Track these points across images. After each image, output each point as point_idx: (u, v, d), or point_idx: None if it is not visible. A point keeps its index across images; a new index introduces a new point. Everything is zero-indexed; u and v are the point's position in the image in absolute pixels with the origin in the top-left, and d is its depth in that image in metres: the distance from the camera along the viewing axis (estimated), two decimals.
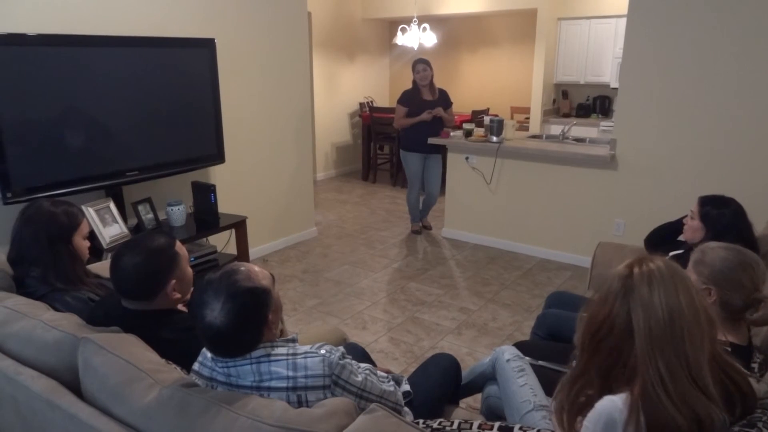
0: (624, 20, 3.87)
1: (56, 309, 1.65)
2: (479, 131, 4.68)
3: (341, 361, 1.28)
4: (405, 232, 5.15)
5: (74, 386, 1.32)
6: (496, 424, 1.45)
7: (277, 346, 1.28)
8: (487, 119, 4.75)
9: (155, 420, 1.16)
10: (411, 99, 4.76)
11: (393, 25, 7.84)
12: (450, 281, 4.01)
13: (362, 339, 3.11)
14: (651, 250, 2.59)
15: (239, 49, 3.94)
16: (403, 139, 4.95)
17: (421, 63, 4.68)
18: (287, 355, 1.26)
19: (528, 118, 6.92)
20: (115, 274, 1.52)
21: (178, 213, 3.46)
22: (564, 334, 2.21)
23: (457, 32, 7.76)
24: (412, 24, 6.47)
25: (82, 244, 1.93)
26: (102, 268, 2.05)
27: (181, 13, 3.53)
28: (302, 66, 4.55)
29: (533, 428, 1.45)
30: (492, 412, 1.82)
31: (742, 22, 3.35)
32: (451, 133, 4.74)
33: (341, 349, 1.33)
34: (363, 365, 1.43)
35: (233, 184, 4.05)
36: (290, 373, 1.24)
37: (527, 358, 1.91)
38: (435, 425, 1.48)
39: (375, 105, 7.66)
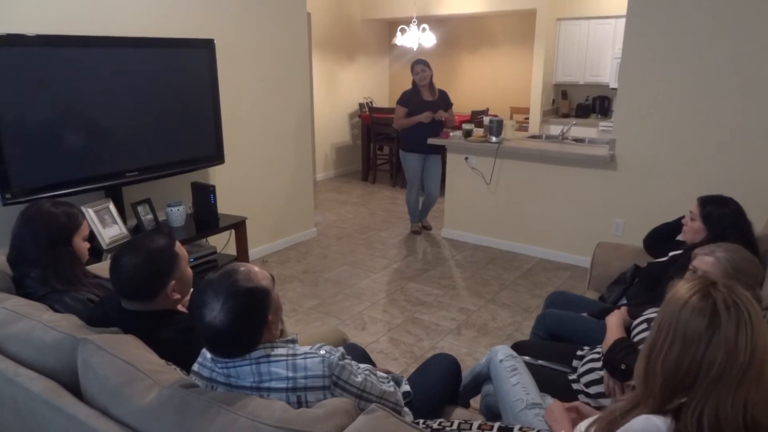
0: (623, 21, 3.87)
1: (55, 310, 1.65)
2: (479, 131, 4.68)
3: (341, 362, 1.28)
4: (404, 232, 5.15)
5: (74, 387, 1.32)
6: (496, 425, 1.45)
7: (276, 347, 1.28)
8: (486, 119, 4.75)
9: (155, 421, 1.16)
10: (410, 99, 4.76)
11: (392, 25, 7.84)
12: (449, 281, 4.01)
13: (362, 339, 3.11)
14: (650, 251, 2.60)
15: (239, 50, 3.94)
16: (403, 140, 4.95)
17: (419, 64, 4.68)
18: (287, 355, 1.26)
19: (527, 119, 6.92)
20: (115, 274, 1.52)
21: (178, 214, 3.45)
22: (563, 334, 2.22)
23: (457, 33, 7.77)
24: (411, 24, 6.47)
25: (82, 246, 1.93)
26: (102, 268, 2.05)
27: (180, 13, 3.53)
28: (302, 66, 4.55)
29: (533, 429, 1.45)
30: (490, 411, 1.83)
31: (740, 22, 3.35)
32: (451, 134, 4.74)
33: (341, 349, 1.33)
34: (363, 366, 1.43)
35: (233, 184, 4.05)
36: (290, 374, 1.24)
37: (526, 357, 1.91)
38: (435, 425, 1.48)
39: (374, 105, 7.66)
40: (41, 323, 1.45)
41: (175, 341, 1.50)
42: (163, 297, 1.55)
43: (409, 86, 4.81)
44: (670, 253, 2.31)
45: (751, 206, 2.26)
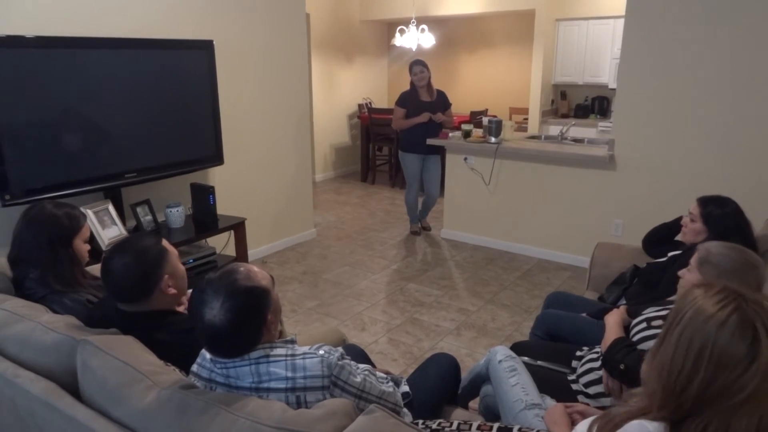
0: (622, 21, 3.88)
1: (55, 311, 1.65)
2: (478, 132, 4.68)
3: (340, 362, 1.28)
4: (404, 233, 5.15)
5: (73, 388, 1.32)
6: (495, 425, 1.44)
7: (275, 347, 1.28)
8: (485, 120, 4.76)
9: (154, 421, 1.16)
10: (409, 100, 4.76)
11: (391, 26, 7.84)
12: (449, 282, 4.01)
13: (361, 340, 3.11)
14: (648, 251, 2.60)
15: (238, 51, 3.94)
16: (402, 140, 4.95)
17: (417, 65, 4.68)
18: (286, 356, 1.26)
19: (526, 119, 6.93)
20: (108, 277, 1.52)
21: (177, 215, 3.45)
22: (563, 335, 2.22)
23: (456, 33, 7.77)
24: (410, 25, 6.48)
25: (83, 248, 1.93)
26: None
27: (179, 14, 3.53)
28: (301, 67, 4.55)
29: (532, 429, 1.45)
30: (490, 411, 1.83)
31: (739, 22, 3.35)
32: (450, 134, 4.74)
33: (340, 349, 1.33)
34: (362, 366, 1.43)
35: (232, 185, 4.05)
36: (289, 374, 1.24)
37: (525, 357, 1.91)
38: (434, 426, 1.48)
39: (373, 106, 7.66)
40: (40, 324, 1.45)
41: (173, 342, 1.50)
42: (159, 294, 1.54)
43: (408, 87, 4.81)
44: (670, 254, 2.31)
45: (751, 206, 2.26)
